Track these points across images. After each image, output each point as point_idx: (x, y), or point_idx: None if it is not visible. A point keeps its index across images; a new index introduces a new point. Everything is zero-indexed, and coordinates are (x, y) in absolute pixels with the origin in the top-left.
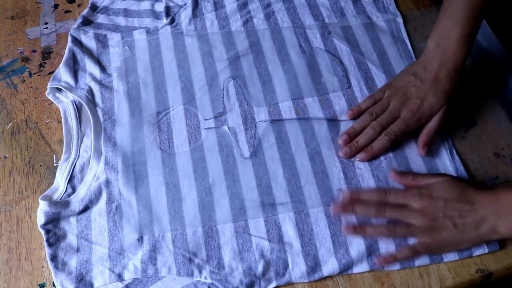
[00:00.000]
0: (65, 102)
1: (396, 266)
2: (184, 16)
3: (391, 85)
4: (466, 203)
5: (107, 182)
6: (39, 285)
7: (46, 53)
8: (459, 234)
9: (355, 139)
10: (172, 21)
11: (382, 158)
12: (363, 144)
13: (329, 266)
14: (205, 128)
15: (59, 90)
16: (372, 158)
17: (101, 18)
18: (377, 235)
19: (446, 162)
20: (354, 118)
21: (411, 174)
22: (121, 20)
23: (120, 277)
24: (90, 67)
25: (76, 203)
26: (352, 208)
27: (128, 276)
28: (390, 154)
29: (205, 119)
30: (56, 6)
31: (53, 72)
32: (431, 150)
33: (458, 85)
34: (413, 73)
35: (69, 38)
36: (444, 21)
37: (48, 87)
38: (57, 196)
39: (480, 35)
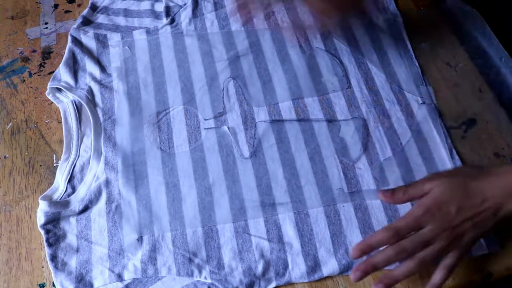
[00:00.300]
0: (65, 102)
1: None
2: (184, 16)
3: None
4: (475, 198)
5: (107, 182)
6: (39, 285)
7: (46, 53)
8: (480, 228)
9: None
10: (172, 21)
11: (381, 158)
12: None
13: (329, 266)
14: (205, 128)
15: (59, 90)
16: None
17: (101, 18)
18: (412, 272)
19: (446, 162)
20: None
21: (398, 190)
22: (121, 20)
23: (120, 277)
24: (90, 67)
25: (76, 203)
26: (372, 267)
27: (128, 276)
28: (390, 155)
29: (205, 119)
30: (56, 6)
31: (53, 72)
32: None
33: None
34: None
35: (69, 38)
36: None
37: (48, 87)
38: (57, 196)
39: (479, 35)
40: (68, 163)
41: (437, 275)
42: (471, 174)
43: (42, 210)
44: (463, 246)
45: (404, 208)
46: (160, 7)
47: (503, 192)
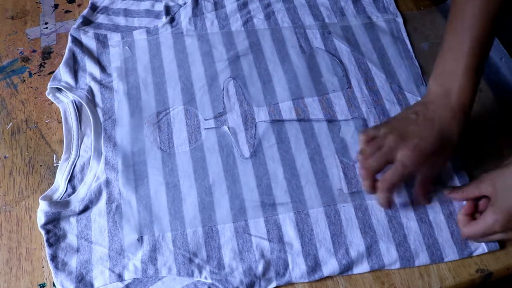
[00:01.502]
0: (65, 102)
1: (396, 265)
2: (184, 15)
3: (388, 123)
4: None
5: (107, 182)
6: (39, 285)
7: (46, 53)
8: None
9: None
10: (172, 20)
11: None
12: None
13: (329, 266)
14: (205, 128)
15: (59, 90)
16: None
17: (101, 18)
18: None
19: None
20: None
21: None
22: (121, 20)
23: (120, 277)
24: (90, 67)
25: (76, 203)
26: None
27: (128, 276)
28: None
29: (205, 119)
30: (56, 6)
31: (53, 72)
32: (431, 197)
33: (464, 127)
34: (415, 111)
35: (69, 38)
36: (447, 55)
37: (48, 87)
38: (57, 196)
39: None
40: (68, 163)
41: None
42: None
43: (42, 210)
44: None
45: (403, 208)
46: (160, 7)
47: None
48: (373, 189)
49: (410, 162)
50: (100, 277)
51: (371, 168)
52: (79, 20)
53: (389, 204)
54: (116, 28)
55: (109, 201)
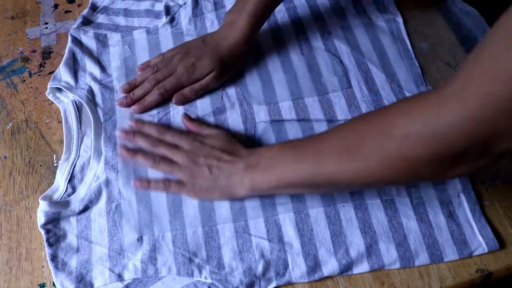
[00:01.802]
0: (65, 102)
1: (396, 265)
2: (184, 15)
3: (180, 45)
4: (228, 153)
5: (107, 182)
6: (39, 285)
7: (46, 53)
8: (212, 181)
9: (133, 91)
10: (172, 20)
11: None
12: (139, 96)
13: (329, 266)
14: None
15: (59, 90)
16: (144, 111)
17: (101, 18)
18: (145, 163)
19: None
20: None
21: (198, 122)
22: (121, 20)
23: (120, 277)
24: (90, 67)
25: (76, 203)
26: (133, 136)
27: (128, 276)
28: None
29: (204, 116)
30: (56, 6)
31: (53, 72)
32: None
33: (235, 57)
34: (203, 38)
35: (69, 38)
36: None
37: (48, 87)
38: (57, 196)
39: (480, 35)
40: (68, 163)
41: (154, 183)
42: (250, 144)
43: (42, 210)
44: (190, 183)
45: (403, 208)
46: (160, 7)
47: (245, 162)
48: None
49: (183, 77)
50: (100, 277)
51: (155, 78)
52: (79, 20)
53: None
54: (116, 28)
55: (109, 201)
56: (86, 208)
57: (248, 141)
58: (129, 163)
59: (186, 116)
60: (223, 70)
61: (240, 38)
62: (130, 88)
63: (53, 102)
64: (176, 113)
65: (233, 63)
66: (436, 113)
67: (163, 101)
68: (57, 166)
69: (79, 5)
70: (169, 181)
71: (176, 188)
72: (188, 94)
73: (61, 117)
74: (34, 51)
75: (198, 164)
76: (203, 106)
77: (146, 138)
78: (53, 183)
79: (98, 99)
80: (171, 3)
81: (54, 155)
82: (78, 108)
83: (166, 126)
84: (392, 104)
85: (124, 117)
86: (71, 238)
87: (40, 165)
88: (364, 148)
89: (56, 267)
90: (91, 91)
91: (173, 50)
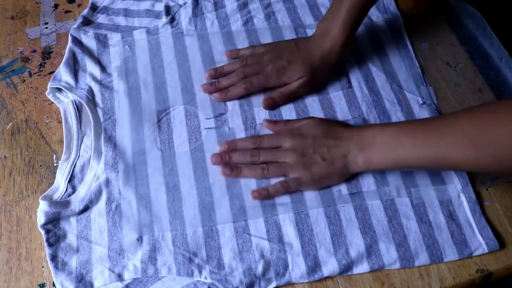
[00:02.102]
0: (65, 102)
1: (396, 265)
2: (184, 15)
3: (273, 43)
4: (333, 138)
5: (107, 182)
6: (39, 285)
7: (46, 53)
8: (328, 167)
9: (219, 79)
10: (172, 20)
11: None
12: (224, 86)
13: (329, 266)
14: (205, 128)
15: (59, 90)
16: (225, 100)
17: (101, 18)
18: (253, 176)
19: None
20: (231, 58)
21: (283, 121)
22: (121, 20)
23: (120, 277)
24: (90, 67)
25: (76, 203)
26: (229, 157)
27: (128, 276)
28: None
29: (206, 119)
30: (56, 6)
31: (53, 72)
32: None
33: (328, 65)
34: (296, 42)
35: (69, 38)
36: (334, 5)
37: (48, 87)
38: (57, 196)
39: (480, 35)
40: (68, 163)
41: (272, 187)
42: (342, 123)
43: (42, 210)
44: (307, 176)
45: (403, 208)
46: (160, 7)
47: (355, 142)
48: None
49: (271, 78)
50: (100, 277)
51: (243, 73)
52: (79, 20)
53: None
54: (116, 28)
55: (109, 201)
56: (86, 208)
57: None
58: (129, 163)
59: (268, 121)
60: (312, 78)
61: (334, 47)
62: (216, 74)
63: (53, 102)
64: (176, 113)
65: (324, 72)
66: None
67: (163, 101)
68: (57, 166)
69: (79, 5)
70: (286, 182)
71: (296, 185)
72: (277, 99)
73: (61, 117)
74: (34, 51)
75: (309, 156)
76: (203, 107)
77: (243, 153)
78: (53, 183)
79: (98, 99)
80: (171, 3)
81: (54, 155)
82: (78, 108)
83: (257, 135)
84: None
85: (123, 116)
86: (71, 238)
87: (40, 165)
88: (491, 140)
89: (56, 267)
90: (91, 91)
91: (264, 47)
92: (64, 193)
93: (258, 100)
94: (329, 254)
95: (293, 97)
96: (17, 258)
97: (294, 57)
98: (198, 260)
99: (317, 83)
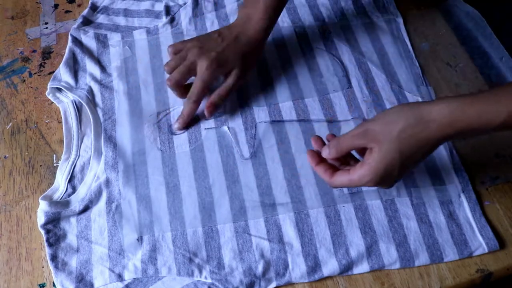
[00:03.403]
0: (65, 102)
1: (396, 265)
2: (184, 15)
3: (193, 39)
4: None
5: (107, 182)
6: (39, 285)
7: (46, 53)
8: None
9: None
10: (172, 20)
11: None
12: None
13: (329, 266)
14: (205, 128)
15: (59, 90)
16: (187, 126)
17: (101, 18)
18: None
19: (447, 162)
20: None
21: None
22: (121, 20)
23: (120, 277)
24: (90, 67)
25: (76, 203)
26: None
27: (128, 276)
28: None
29: (205, 119)
30: (56, 6)
31: (53, 72)
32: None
33: (257, 50)
34: (219, 32)
35: (69, 38)
36: None
37: (48, 87)
38: (57, 196)
39: (480, 35)
40: (68, 163)
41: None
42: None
43: (42, 210)
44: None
45: (403, 208)
46: (160, 7)
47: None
48: (183, 95)
49: (208, 73)
50: (100, 277)
51: (174, 79)
52: (79, 20)
53: (209, 113)
54: (116, 28)
55: (109, 201)
56: (86, 208)
57: None
58: (129, 163)
59: (315, 138)
60: (244, 66)
61: (259, 31)
62: (170, 70)
63: (53, 102)
64: (176, 114)
65: (253, 58)
66: None
67: (163, 101)
68: (57, 166)
69: (79, 5)
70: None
71: None
72: (218, 101)
73: (61, 117)
74: (34, 51)
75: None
76: (203, 107)
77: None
78: (53, 183)
79: (98, 99)
80: (171, 3)
81: (54, 155)
82: (78, 108)
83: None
84: None
85: (123, 116)
86: (71, 238)
87: (40, 165)
88: None
89: (56, 267)
90: (91, 91)
91: (184, 44)
92: (64, 193)
93: (258, 100)
94: (329, 254)
95: (233, 91)
96: (17, 258)
97: (221, 47)
98: (198, 260)
99: (249, 70)
